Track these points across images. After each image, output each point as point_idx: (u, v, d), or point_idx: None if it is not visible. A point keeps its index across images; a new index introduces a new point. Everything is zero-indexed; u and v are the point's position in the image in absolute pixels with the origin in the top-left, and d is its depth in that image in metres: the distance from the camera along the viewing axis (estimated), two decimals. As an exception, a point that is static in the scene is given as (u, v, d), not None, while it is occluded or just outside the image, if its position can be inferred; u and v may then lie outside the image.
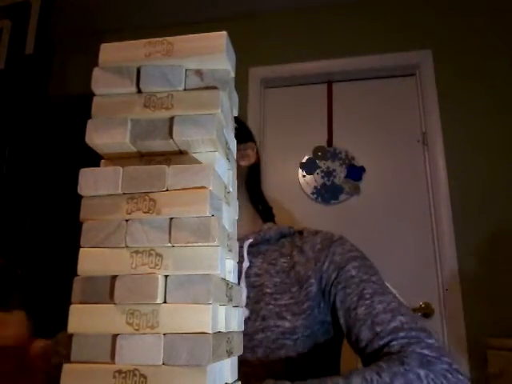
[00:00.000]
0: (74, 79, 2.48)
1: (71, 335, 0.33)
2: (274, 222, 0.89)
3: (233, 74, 0.37)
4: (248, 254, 0.76)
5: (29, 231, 2.14)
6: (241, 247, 0.76)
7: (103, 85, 0.35)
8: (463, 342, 1.87)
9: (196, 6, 2.40)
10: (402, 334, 0.59)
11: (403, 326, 0.60)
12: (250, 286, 0.72)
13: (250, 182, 0.87)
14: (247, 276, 0.73)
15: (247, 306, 0.70)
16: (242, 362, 0.65)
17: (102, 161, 0.37)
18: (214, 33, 0.34)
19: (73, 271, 0.34)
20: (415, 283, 1.99)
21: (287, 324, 0.68)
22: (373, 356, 0.61)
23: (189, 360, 0.30)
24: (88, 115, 0.36)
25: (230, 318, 0.37)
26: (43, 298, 2.09)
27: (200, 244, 0.31)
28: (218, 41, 0.34)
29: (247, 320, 0.68)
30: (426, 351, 0.56)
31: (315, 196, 2.23)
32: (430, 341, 0.58)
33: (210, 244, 0.31)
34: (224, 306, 0.35)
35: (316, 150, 2.29)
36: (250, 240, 0.77)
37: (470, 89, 2.14)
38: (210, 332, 0.30)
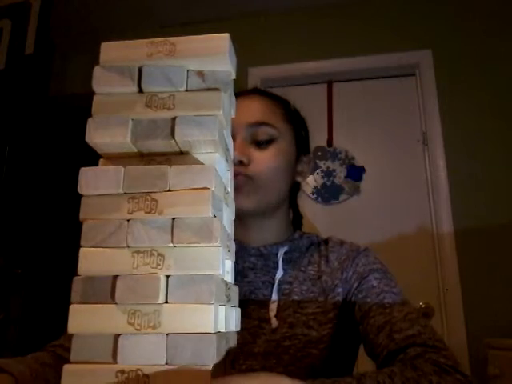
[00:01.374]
0: (74, 79, 2.48)
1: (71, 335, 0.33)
2: (301, 229, 0.89)
3: (234, 76, 0.37)
4: (282, 261, 0.76)
5: (28, 231, 2.14)
6: (275, 254, 0.76)
7: (104, 83, 0.35)
8: (463, 342, 1.87)
9: (196, 7, 2.40)
10: (419, 342, 0.58)
11: (421, 335, 0.60)
12: (280, 294, 0.72)
13: (294, 192, 0.87)
14: (279, 283, 0.73)
15: (278, 313, 0.70)
16: (268, 369, 0.65)
17: (101, 160, 0.36)
18: (216, 34, 0.34)
19: (73, 271, 0.34)
20: (415, 283, 1.98)
21: (314, 333, 0.68)
22: (388, 361, 0.60)
23: (193, 360, 0.30)
24: (88, 115, 0.35)
25: (228, 318, 0.37)
26: (43, 298, 2.09)
27: (202, 244, 0.32)
28: (220, 42, 0.34)
29: (276, 328, 0.68)
30: (442, 360, 0.55)
31: (315, 196, 2.23)
32: (446, 352, 0.57)
33: (212, 244, 0.32)
34: (223, 306, 0.36)
35: (316, 149, 2.29)
36: (286, 248, 0.77)
37: (470, 89, 2.14)
38: (213, 332, 0.30)
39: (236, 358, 0.67)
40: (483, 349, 1.68)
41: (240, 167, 0.71)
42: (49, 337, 0.75)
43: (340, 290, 0.72)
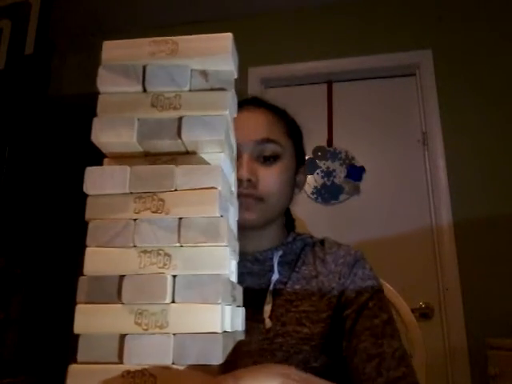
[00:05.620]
0: (74, 79, 2.48)
1: (77, 335, 0.33)
2: (294, 231, 0.91)
3: (236, 76, 0.37)
4: (277, 264, 0.78)
5: (29, 231, 2.14)
6: (270, 258, 0.78)
7: (109, 83, 0.35)
8: (463, 342, 1.87)
9: (195, 7, 2.39)
10: None
11: (406, 377, 0.63)
12: (275, 295, 0.74)
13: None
14: (274, 285, 0.75)
15: (271, 314, 0.72)
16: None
17: (105, 159, 0.36)
18: (219, 34, 0.34)
19: (73, 271, 0.34)
20: (415, 283, 1.99)
21: (306, 330, 0.70)
22: None
23: (199, 359, 0.30)
24: (87, 115, 0.35)
25: (234, 318, 0.37)
26: (43, 298, 2.08)
27: (209, 244, 0.32)
28: (223, 42, 0.34)
29: (269, 328, 0.70)
30: None
31: (315, 196, 2.23)
32: None
33: (219, 244, 0.32)
34: (229, 306, 0.36)
35: (316, 150, 2.29)
36: (280, 252, 0.79)
37: (470, 89, 2.14)
38: (220, 331, 0.30)
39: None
40: (483, 349, 1.68)
41: (249, 187, 0.73)
42: (49, 337, 0.75)
43: (336, 293, 0.74)
